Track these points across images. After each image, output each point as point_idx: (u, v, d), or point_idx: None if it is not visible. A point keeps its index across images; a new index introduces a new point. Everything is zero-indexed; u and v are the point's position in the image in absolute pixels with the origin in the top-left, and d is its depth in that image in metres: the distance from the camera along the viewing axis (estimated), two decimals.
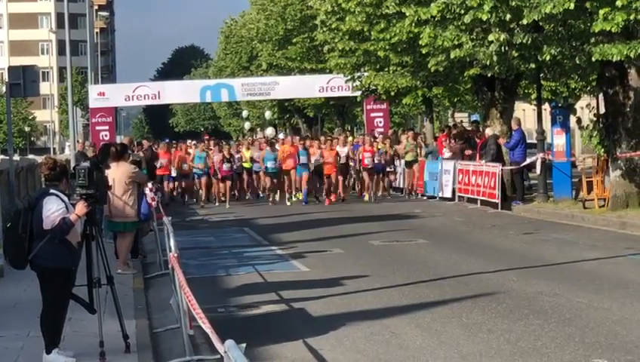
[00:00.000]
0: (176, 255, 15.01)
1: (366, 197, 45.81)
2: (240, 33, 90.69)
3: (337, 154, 44.45)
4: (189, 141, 68.46)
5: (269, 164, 44.72)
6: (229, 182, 47.23)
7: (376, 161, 46.38)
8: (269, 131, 72.50)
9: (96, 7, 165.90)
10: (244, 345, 7.31)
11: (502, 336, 14.77)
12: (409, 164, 45.84)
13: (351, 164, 48.11)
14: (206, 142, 57.10)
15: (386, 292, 19.28)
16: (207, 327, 10.18)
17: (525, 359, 13.33)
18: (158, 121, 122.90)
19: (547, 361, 13.15)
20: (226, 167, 44.14)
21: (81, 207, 13.04)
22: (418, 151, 45.54)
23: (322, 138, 52.94)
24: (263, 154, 47.53)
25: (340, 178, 45.62)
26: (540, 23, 30.90)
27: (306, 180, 46.18)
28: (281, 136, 65.15)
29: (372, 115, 55.64)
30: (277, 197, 47.90)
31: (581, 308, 17.10)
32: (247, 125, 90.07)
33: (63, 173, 13.64)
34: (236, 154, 51.39)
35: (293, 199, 46.06)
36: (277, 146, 49.78)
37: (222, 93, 67.37)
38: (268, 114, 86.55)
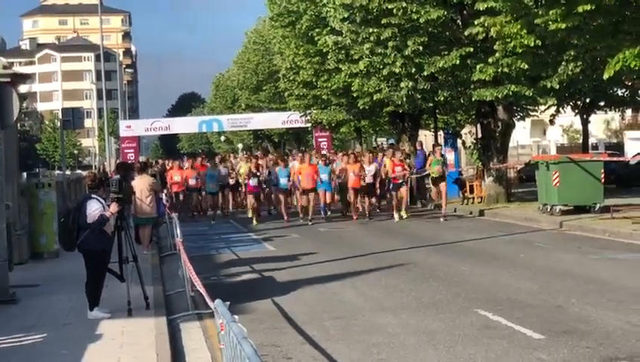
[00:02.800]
0: (181, 240, 15.19)
1: (397, 217, 30.06)
2: (226, 83, 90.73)
3: (362, 167, 30.60)
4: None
5: (282, 181, 31.50)
6: (251, 198, 32.52)
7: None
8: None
9: (124, 66, 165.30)
10: (228, 302, 7.31)
11: (410, 294, 14.94)
12: (435, 181, 30.66)
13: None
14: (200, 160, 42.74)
15: (330, 264, 19.37)
16: (202, 290, 10.09)
17: (426, 310, 13.38)
18: (168, 145, 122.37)
19: (442, 311, 13.20)
20: (253, 182, 30.60)
21: (113, 207, 13.25)
22: (445, 168, 31.06)
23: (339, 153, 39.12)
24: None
25: (367, 199, 31.24)
26: (436, 75, 31.03)
27: (328, 200, 31.76)
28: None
29: (319, 140, 55.19)
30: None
31: (465, 273, 17.23)
32: (240, 145, 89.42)
33: (101, 183, 14.08)
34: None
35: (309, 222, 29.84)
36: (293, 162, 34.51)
37: (213, 125, 68.90)
38: (240, 146, 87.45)
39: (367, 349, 11.14)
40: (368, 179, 30.89)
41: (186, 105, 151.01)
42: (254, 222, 30.86)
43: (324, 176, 30.72)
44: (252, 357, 5.27)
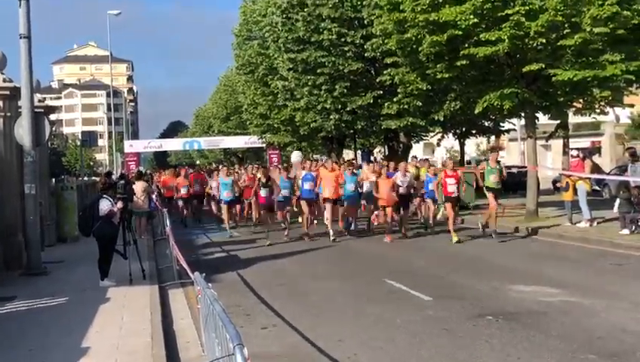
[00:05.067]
0: (169, 228, 15.01)
1: (454, 238, 18.84)
2: (204, 114, 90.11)
3: (394, 184, 20.38)
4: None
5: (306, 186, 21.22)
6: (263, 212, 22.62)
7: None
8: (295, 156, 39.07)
9: (128, 100, 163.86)
10: (204, 274, 7.26)
11: (338, 278, 14.73)
12: (492, 191, 19.50)
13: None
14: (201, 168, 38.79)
15: (282, 246, 19.29)
16: (185, 265, 10.04)
17: (348, 279, 13.35)
18: (160, 159, 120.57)
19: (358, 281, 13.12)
20: (263, 192, 20.96)
21: (119, 204, 13.21)
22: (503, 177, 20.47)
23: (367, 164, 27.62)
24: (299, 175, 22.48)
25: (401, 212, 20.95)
26: (356, 110, 31.10)
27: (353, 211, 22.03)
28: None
29: (272, 155, 54.19)
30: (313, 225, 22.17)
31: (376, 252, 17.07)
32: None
33: (110, 186, 13.99)
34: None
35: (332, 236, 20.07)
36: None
37: (194, 145, 68.77)
38: (214, 165, 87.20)
39: (306, 306, 11.20)
40: (402, 190, 20.45)
41: (174, 129, 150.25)
42: (267, 241, 20.09)
43: (351, 187, 20.74)
44: (221, 314, 5.28)
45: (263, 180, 21.34)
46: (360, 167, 25.75)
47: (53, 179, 23.37)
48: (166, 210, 19.29)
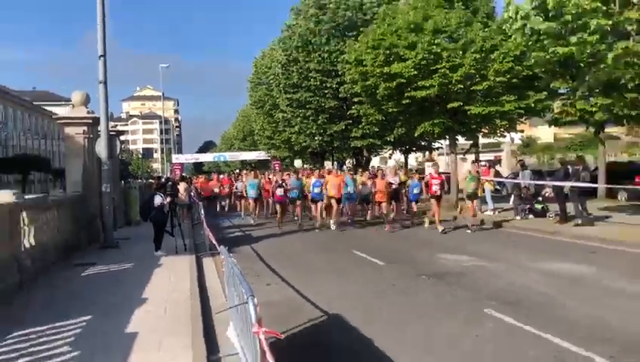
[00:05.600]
0: (203, 215, 14.89)
1: (427, 224, 18.04)
2: (228, 136, 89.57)
3: (390, 183, 19.58)
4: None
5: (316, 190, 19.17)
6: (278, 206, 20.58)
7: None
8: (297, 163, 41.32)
9: (175, 125, 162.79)
10: (227, 247, 7.22)
11: (323, 251, 14.61)
12: (470, 197, 17.31)
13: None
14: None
15: (287, 231, 19.04)
16: (214, 241, 9.98)
17: (331, 252, 13.28)
18: (198, 167, 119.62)
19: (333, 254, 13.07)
20: (279, 192, 20.21)
21: (168, 199, 12.94)
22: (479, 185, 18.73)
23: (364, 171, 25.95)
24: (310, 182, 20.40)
25: (392, 204, 19.61)
26: (333, 133, 31.07)
27: (353, 209, 20.41)
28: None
29: (275, 165, 53.40)
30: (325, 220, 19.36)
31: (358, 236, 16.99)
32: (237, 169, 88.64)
33: (162, 186, 13.77)
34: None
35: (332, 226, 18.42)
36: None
37: (221, 158, 68.08)
38: (238, 171, 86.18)
39: (299, 270, 11.16)
40: (395, 186, 19.62)
41: (206, 147, 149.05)
42: (279, 225, 19.24)
43: (350, 188, 19.05)
44: (238, 275, 5.29)
45: (280, 181, 20.61)
46: (359, 171, 25.18)
47: (122, 181, 23.20)
48: (200, 204, 19.20)
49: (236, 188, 26.03)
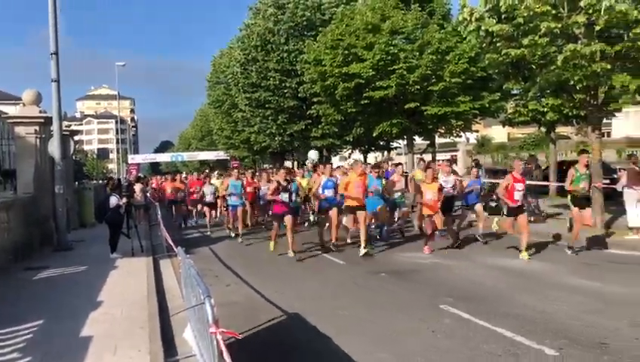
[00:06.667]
0: (160, 216, 14.67)
1: (524, 255, 10.77)
2: (186, 136, 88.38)
3: (441, 187, 12.13)
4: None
5: (328, 193, 12.74)
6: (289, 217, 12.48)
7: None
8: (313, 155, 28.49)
9: (131, 126, 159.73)
10: (184, 248, 7.12)
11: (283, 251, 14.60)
12: (581, 204, 11.37)
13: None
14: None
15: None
16: (171, 243, 9.86)
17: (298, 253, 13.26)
18: (155, 168, 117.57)
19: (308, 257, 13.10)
20: (283, 197, 12.24)
21: (124, 200, 12.70)
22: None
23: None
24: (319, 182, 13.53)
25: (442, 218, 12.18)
26: (293, 133, 31.06)
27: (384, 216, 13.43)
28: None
29: (234, 165, 52.72)
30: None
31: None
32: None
33: (117, 187, 13.44)
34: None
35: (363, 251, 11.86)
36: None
37: (179, 158, 67.20)
38: (207, 171, 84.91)
39: (258, 270, 11.12)
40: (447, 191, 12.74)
41: (164, 146, 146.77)
42: (292, 251, 12.54)
43: (379, 189, 12.96)
44: (195, 276, 5.24)
45: (283, 183, 12.52)
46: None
47: (76, 182, 22.63)
48: (157, 204, 18.85)
49: (202, 192, 19.43)
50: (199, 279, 4.96)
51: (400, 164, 18.00)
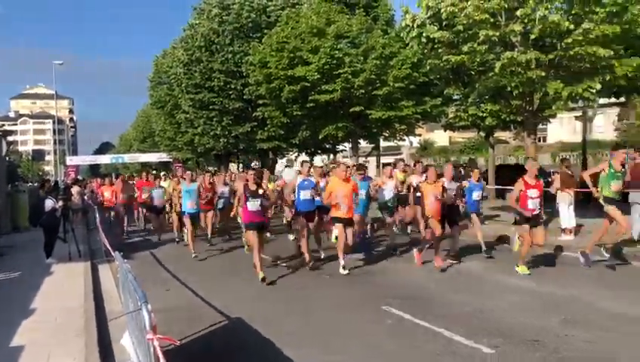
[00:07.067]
0: (99, 220, 14.25)
1: (523, 269, 9.48)
2: (127, 137, 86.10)
3: (444, 189, 10.19)
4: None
5: (304, 195, 10.96)
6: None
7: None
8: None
9: (69, 126, 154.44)
10: (122, 253, 6.93)
11: (222, 258, 14.36)
12: (616, 203, 9.16)
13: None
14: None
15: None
16: (109, 247, 9.58)
17: (234, 258, 13.07)
18: (94, 170, 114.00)
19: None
20: (252, 206, 9.70)
21: (60, 203, 12.24)
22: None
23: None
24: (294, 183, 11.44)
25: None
26: (239, 135, 30.75)
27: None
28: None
29: (177, 167, 51.78)
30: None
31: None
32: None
33: (54, 189, 13.01)
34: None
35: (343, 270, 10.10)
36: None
37: (119, 159, 65.56)
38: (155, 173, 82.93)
39: (196, 274, 10.95)
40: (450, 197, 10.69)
41: (104, 148, 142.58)
42: (260, 273, 9.78)
43: (362, 193, 11.78)
44: (132, 281, 5.11)
45: (253, 188, 9.88)
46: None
47: (10, 185, 21.65)
48: (95, 208, 18.26)
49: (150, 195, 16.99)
50: (136, 284, 4.84)
51: (400, 161, 15.93)
